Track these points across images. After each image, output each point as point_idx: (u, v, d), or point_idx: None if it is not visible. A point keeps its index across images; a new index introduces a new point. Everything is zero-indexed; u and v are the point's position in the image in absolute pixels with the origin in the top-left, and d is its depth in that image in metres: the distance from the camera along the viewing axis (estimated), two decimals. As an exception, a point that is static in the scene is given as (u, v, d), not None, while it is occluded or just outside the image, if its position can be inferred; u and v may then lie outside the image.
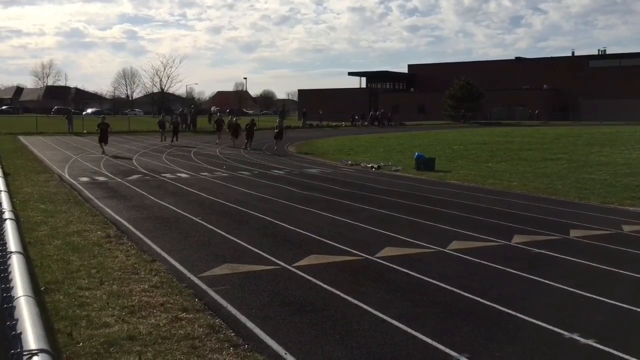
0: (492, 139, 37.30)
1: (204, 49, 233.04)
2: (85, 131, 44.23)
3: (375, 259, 8.65)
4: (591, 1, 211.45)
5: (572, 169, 20.65)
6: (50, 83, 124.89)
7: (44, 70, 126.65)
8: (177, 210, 12.68)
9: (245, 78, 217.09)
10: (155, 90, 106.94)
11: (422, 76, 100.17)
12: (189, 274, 7.80)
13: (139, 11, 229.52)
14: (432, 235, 10.20)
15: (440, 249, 9.27)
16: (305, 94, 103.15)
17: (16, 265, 4.33)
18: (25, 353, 2.79)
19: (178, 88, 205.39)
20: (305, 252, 8.93)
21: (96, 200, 13.88)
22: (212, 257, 8.70)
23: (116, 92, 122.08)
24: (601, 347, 5.50)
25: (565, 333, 5.83)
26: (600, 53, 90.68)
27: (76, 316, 6.12)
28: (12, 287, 3.89)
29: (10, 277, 4.17)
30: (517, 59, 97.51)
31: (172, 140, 34.97)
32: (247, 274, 7.85)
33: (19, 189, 15.37)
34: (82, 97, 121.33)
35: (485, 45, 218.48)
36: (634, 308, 6.59)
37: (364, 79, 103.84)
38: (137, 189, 15.92)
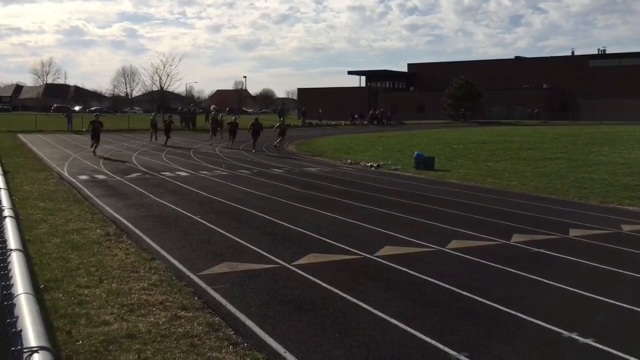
0: (491, 138, 37.30)
1: (204, 48, 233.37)
2: (84, 129, 44.21)
3: (374, 257, 8.65)
4: (591, 1, 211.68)
5: (571, 169, 20.66)
6: (49, 81, 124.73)
7: (43, 68, 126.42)
8: (177, 208, 12.68)
9: (244, 76, 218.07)
10: (155, 88, 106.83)
11: (421, 75, 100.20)
12: (188, 273, 7.80)
13: (138, 9, 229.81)
14: (432, 234, 10.21)
15: (440, 248, 9.27)
16: (304, 93, 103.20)
17: (16, 262, 4.33)
18: (25, 350, 2.79)
19: (178, 86, 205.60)
20: (305, 251, 8.93)
21: (95, 199, 13.88)
22: (212, 256, 8.70)
23: (116, 90, 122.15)
24: (600, 346, 5.51)
25: (564, 332, 5.83)
26: (600, 53, 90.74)
27: (75, 314, 6.12)
28: (12, 285, 3.89)
29: (10, 274, 4.17)
30: (517, 58, 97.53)
31: (165, 142, 32.73)
32: (247, 272, 7.85)
33: (19, 187, 15.36)
34: (82, 95, 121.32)
35: (485, 44, 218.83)
36: (633, 307, 6.60)
37: (363, 78, 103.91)
38: (136, 187, 15.92)
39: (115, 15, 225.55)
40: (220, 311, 6.37)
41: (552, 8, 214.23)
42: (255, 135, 30.10)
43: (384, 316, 6.24)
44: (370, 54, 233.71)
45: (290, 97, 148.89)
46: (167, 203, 13.35)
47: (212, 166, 22.00)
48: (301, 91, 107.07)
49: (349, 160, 24.36)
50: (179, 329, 5.80)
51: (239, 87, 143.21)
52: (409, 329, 5.89)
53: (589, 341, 5.62)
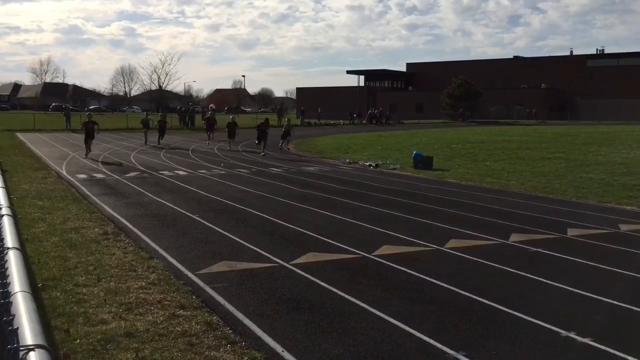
0: (490, 138, 37.32)
1: (203, 47, 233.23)
2: (80, 128, 44.11)
3: (372, 257, 8.65)
4: (590, 1, 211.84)
5: (569, 168, 20.67)
6: (48, 80, 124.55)
7: (41, 67, 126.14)
8: (175, 207, 12.67)
9: (243, 76, 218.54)
10: (154, 87, 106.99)
11: (420, 75, 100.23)
12: (186, 271, 7.79)
13: (137, 8, 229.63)
14: (430, 234, 10.21)
15: (438, 247, 9.27)
16: (303, 92, 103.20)
17: (13, 261, 4.32)
18: (22, 349, 2.78)
19: (176, 85, 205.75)
20: (303, 250, 8.93)
21: (94, 197, 13.86)
22: (210, 255, 8.69)
23: (114, 89, 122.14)
24: (598, 345, 5.51)
25: (562, 331, 5.84)
26: (598, 52, 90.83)
27: (73, 313, 6.12)
28: (9, 283, 3.88)
29: (7, 273, 4.17)
30: (516, 58, 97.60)
31: (158, 142, 31.70)
32: (245, 271, 7.85)
33: (17, 185, 15.34)
34: (80, 94, 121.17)
35: (483, 44, 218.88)
36: (631, 307, 6.60)
37: (362, 77, 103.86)
38: (135, 186, 15.90)
39: (114, 14, 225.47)
40: (219, 310, 6.36)
41: (551, 8, 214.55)
42: (263, 136, 27.53)
43: (382, 315, 6.24)
44: (369, 54, 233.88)
45: (289, 96, 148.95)
46: (165, 202, 13.34)
47: (210, 165, 21.99)
48: (300, 90, 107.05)
49: (347, 160, 24.35)
50: (177, 328, 5.79)
51: (238, 86, 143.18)
52: (407, 328, 5.89)
53: (587, 340, 5.62)
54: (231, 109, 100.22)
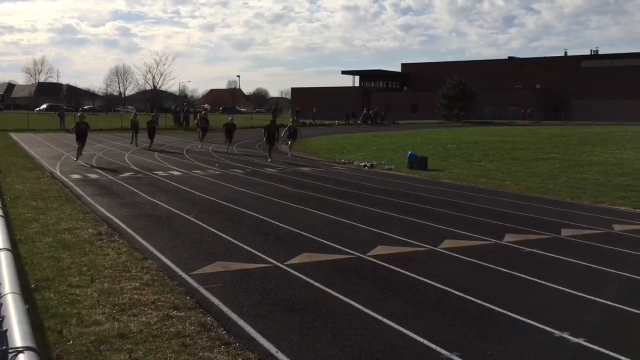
0: (484, 138, 37.39)
1: (197, 47, 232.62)
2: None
3: (367, 257, 8.65)
4: (584, 2, 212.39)
5: (564, 169, 20.73)
6: (42, 80, 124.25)
7: (35, 67, 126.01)
8: (169, 208, 12.64)
9: (238, 76, 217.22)
10: (148, 87, 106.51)
11: (415, 75, 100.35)
12: (180, 272, 7.77)
13: (132, 8, 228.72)
14: (424, 234, 10.21)
15: (432, 247, 9.28)
16: (298, 92, 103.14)
17: (4, 262, 4.30)
18: (10, 350, 2.76)
19: (171, 85, 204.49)
20: (298, 251, 8.92)
21: (88, 198, 13.82)
22: (204, 255, 8.67)
23: (109, 89, 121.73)
24: (591, 345, 5.52)
25: (556, 332, 5.85)
26: (592, 53, 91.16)
27: (66, 314, 6.09)
28: (0, 284, 3.86)
29: (-2, 274, 4.14)
30: (510, 58, 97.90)
31: (149, 145, 29.83)
32: (239, 272, 7.83)
33: (10, 185, 15.28)
34: (74, 94, 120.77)
35: (478, 44, 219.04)
36: (624, 307, 6.62)
37: (357, 78, 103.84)
38: (129, 187, 15.85)
39: (109, 14, 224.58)
40: (213, 311, 6.35)
41: (545, 9, 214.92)
42: (272, 139, 25.04)
43: (376, 316, 6.24)
44: (364, 54, 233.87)
45: (284, 96, 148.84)
46: (159, 202, 13.30)
47: (205, 165, 21.95)
48: (295, 91, 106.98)
49: (342, 160, 24.36)
50: (170, 329, 5.77)
51: (233, 86, 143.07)
52: (401, 329, 5.88)
53: (580, 341, 5.63)
54: (226, 109, 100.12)
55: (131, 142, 31.56)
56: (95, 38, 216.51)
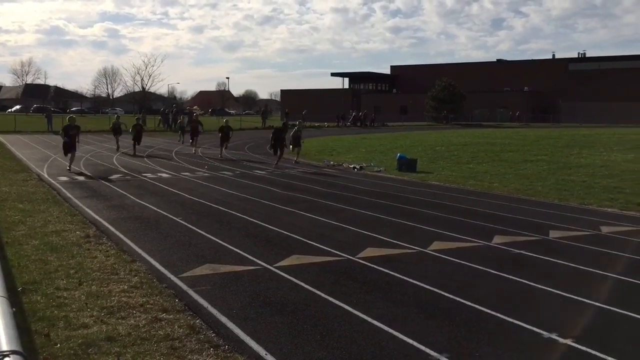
0: (473, 141, 37.55)
1: (186, 48, 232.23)
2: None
3: (356, 259, 8.65)
4: (571, 5, 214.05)
5: (552, 171, 20.86)
6: (29, 81, 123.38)
7: (23, 68, 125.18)
8: (158, 210, 12.58)
9: (227, 78, 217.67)
10: (137, 89, 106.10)
11: (404, 77, 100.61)
12: (169, 275, 7.73)
13: (120, 9, 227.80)
14: (413, 236, 10.24)
15: (421, 249, 9.30)
16: (287, 94, 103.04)
17: (-9, 265, 4.25)
18: (-4, 354, 2.74)
19: (160, 87, 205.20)
20: (287, 253, 8.91)
21: (75, 200, 13.72)
22: (193, 258, 8.64)
23: (97, 90, 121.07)
24: (579, 346, 5.56)
25: (544, 333, 5.88)
26: (580, 56, 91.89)
27: (54, 317, 6.04)
28: (-14, 288, 3.82)
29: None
30: (499, 61, 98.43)
31: (133, 152, 27.33)
32: (228, 274, 7.81)
33: (-3, 188, 15.13)
34: (62, 96, 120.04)
35: (467, 47, 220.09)
36: (612, 308, 6.67)
37: (346, 80, 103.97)
38: (117, 189, 15.77)
39: (97, 15, 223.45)
40: (202, 313, 6.32)
41: (533, 12, 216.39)
42: (279, 144, 22.90)
43: (365, 318, 6.24)
44: (354, 56, 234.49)
45: (273, 98, 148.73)
46: (148, 204, 13.24)
47: (194, 167, 21.88)
48: (284, 92, 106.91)
49: (331, 162, 24.37)
50: (159, 332, 5.74)
51: (222, 88, 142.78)
52: (390, 330, 5.89)
53: (568, 342, 5.66)
54: (215, 111, 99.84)
55: (117, 149, 29.12)
56: (83, 39, 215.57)
